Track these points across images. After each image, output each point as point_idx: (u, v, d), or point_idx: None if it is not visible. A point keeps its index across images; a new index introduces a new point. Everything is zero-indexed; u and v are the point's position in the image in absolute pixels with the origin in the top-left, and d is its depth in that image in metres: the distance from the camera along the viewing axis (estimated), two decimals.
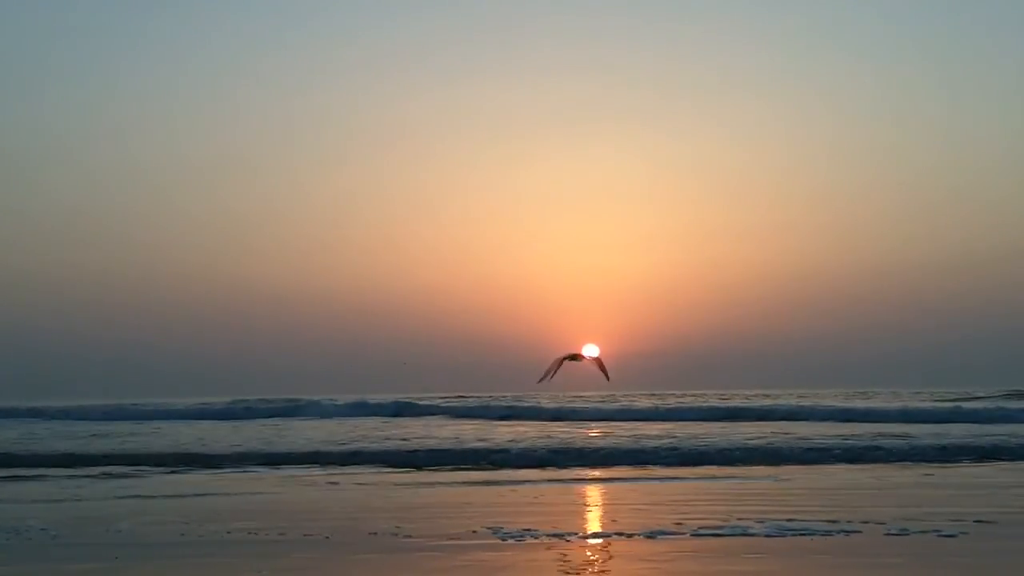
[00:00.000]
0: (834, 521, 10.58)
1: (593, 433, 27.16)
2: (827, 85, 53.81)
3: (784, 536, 9.82)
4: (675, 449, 20.36)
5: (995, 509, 11.83)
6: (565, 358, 9.78)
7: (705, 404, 39.39)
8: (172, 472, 18.09)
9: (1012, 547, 9.48)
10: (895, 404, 37.90)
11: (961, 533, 9.84)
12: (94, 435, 28.01)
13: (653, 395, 47.77)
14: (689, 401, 42.50)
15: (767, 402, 40.14)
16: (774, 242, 54.61)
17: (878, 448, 20.24)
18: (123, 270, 55.47)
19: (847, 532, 9.95)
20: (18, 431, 30.04)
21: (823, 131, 53.39)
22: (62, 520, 11.59)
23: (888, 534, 9.85)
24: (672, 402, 41.97)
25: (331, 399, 41.80)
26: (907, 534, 9.81)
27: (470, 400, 44.73)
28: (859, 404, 38.58)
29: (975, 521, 10.60)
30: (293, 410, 38.73)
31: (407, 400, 40.45)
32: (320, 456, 20.61)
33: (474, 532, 10.22)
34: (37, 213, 52.37)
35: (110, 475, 17.55)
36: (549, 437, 24.47)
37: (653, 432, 25.83)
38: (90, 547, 9.83)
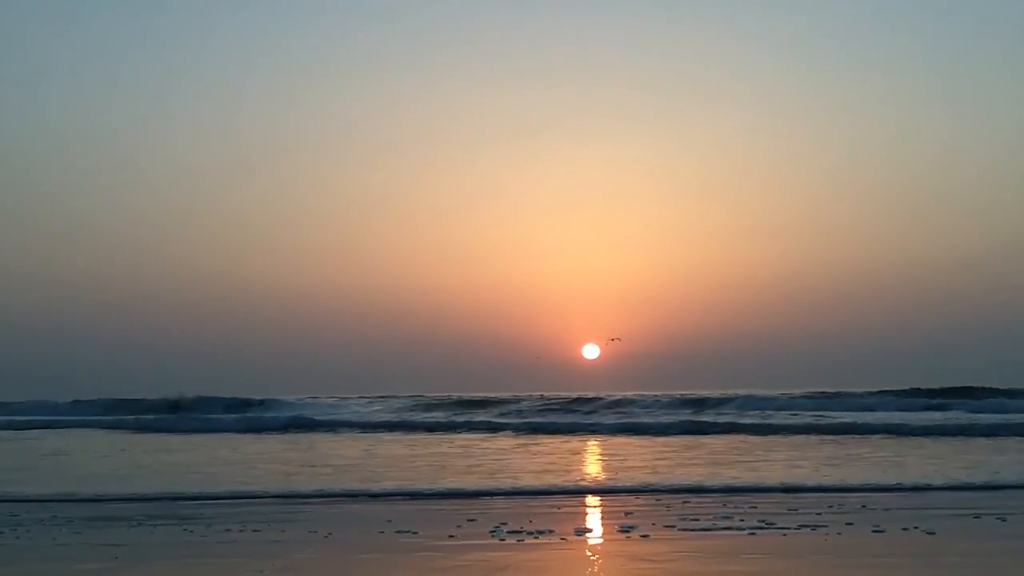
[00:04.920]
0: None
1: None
2: (824, 87, 53.73)
3: (786, 535, 9.85)
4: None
5: None
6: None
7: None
8: None
9: None
10: None
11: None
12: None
13: (646, 395, 47.70)
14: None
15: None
16: (770, 243, 54.51)
17: None
18: (123, 271, 55.27)
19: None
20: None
21: (820, 133, 53.27)
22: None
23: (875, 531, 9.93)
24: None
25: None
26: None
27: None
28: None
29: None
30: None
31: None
32: None
33: (474, 532, 10.25)
34: (37, 213, 52.18)
35: None
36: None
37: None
38: (90, 547, 9.84)
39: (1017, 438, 24.84)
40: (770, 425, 29.69)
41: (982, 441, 24.12)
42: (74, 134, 52.41)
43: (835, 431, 27.28)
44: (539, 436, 27.83)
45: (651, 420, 32.05)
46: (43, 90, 52.67)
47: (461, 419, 34.85)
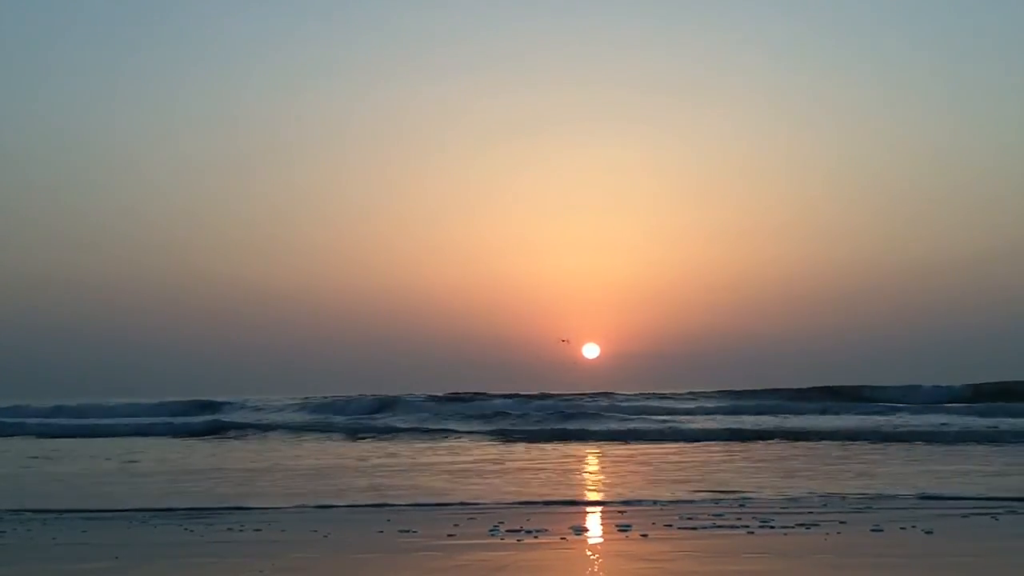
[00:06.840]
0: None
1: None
2: (824, 88, 53.77)
3: (785, 534, 9.87)
4: None
5: None
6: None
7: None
8: None
9: None
10: None
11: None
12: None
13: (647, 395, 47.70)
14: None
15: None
16: (770, 243, 54.55)
17: None
18: (123, 271, 55.30)
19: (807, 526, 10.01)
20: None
21: (820, 133, 53.28)
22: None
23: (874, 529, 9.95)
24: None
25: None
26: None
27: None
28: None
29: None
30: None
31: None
32: None
33: (473, 531, 10.26)
34: (37, 213, 52.19)
35: None
36: None
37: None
38: (90, 547, 9.85)
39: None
40: (771, 427, 29.66)
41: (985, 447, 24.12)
42: (74, 134, 52.43)
43: (841, 436, 27.02)
44: (539, 439, 27.81)
45: (648, 425, 32.04)
46: (43, 90, 52.68)
47: (453, 424, 34.68)
